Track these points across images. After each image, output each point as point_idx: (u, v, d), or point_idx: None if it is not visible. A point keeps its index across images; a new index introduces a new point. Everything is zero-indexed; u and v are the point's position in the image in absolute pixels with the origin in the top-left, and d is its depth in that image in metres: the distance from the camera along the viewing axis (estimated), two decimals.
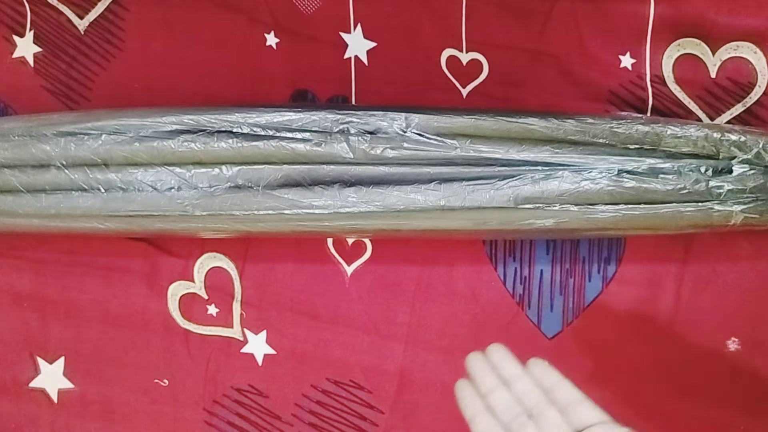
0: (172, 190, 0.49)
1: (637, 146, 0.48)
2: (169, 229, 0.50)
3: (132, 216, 0.49)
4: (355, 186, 0.48)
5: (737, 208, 0.47)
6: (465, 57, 0.54)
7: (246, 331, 0.55)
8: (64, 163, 0.49)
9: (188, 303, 0.56)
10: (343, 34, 0.55)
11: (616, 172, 0.47)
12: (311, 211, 0.48)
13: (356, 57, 0.55)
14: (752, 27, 0.51)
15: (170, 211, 0.49)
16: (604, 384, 0.53)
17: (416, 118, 0.48)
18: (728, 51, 0.52)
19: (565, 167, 0.47)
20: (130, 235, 0.53)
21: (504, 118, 0.47)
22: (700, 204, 0.47)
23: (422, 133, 0.47)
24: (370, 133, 0.48)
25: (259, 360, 0.55)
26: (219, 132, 0.48)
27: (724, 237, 0.52)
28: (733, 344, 0.53)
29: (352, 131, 0.48)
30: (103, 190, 0.49)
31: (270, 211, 0.48)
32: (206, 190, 0.48)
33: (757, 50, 0.52)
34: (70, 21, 0.56)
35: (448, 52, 0.54)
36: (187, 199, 0.48)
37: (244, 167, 0.48)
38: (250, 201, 0.48)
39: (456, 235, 0.50)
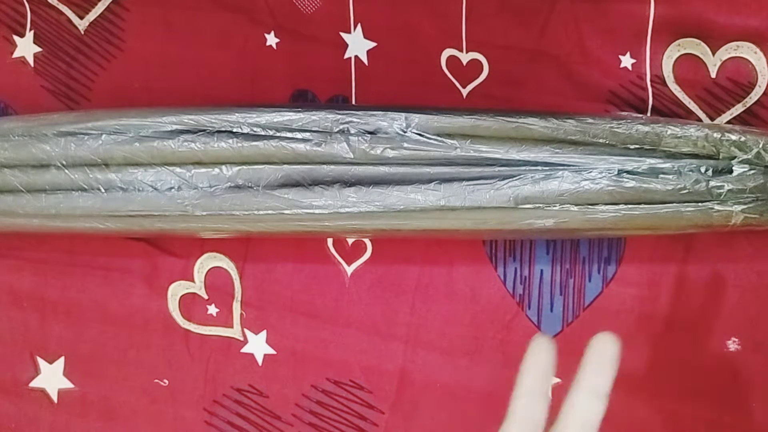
0: (172, 190, 0.49)
1: (637, 146, 0.47)
2: (169, 229, 0.50)
3: (132, 216, 0.49)
4: (355, 186, 0.48)
5: (737, 208, 0.47)
6: (465, 57, 0.54)
7: (246, 331, 0.55)
8: (64, 163, 0.49)
9: (188, 303, 0.56)
10: (343, 34, 0.55)
11: (616, 172, 0.47)
12: (311, 211, 0.48)
13: (356, 57, 0.55)
14: (752, 27, 0.51)
15: (170, 211, 0.49)
16: None
17: (416, 118, 0.48)
18: (728, 51, 0.52)
19: (565, 167, 0.47)
20: (130, 235, 0.53)
21: (504, 118, 0.47)
22: (700, 204, 0.47)
23: (422, 133, 0.47)
24: (370, 133, 0.48)
25: (259, 360, 0.55)
26: (219, 132, 0.48)
27: (724, 237, 0.52)
28: (733, 344, 0.53)
29: (352, 131, 0.48)
30: (103, 190, 0.49)
31: (270, 211, 0.48)
32: (206, 190, 0.48)
33: (757, 50, 0.52)
34: (70, 21, 0.56)
35: (448, 52, 0.54)
36: (187, 199, 0.48)
37: (244, 167, 0.48)
38: (250, 201, 0.48)
39: (456, 235, 0.50)
